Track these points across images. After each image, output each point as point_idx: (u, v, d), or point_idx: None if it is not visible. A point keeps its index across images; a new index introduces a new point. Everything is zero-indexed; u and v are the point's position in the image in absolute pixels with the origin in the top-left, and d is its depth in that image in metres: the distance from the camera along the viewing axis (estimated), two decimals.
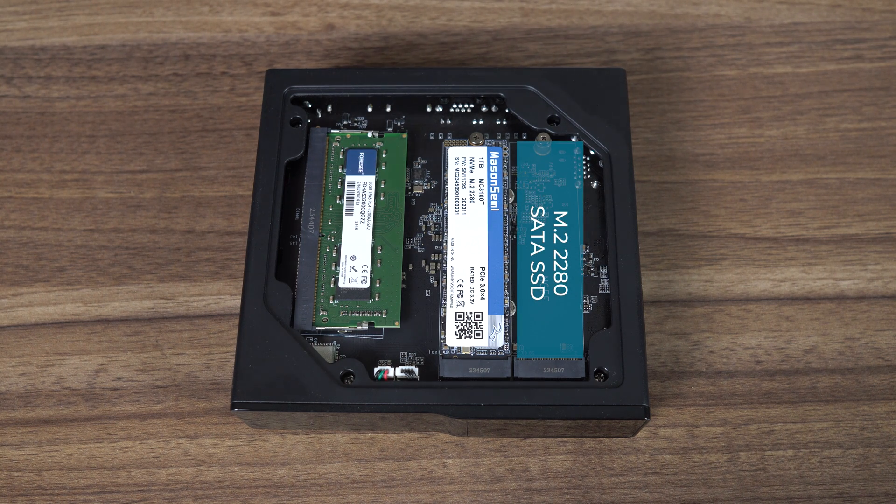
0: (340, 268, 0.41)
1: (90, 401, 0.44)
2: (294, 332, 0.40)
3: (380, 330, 0.41)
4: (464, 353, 0.40)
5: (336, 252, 0.42)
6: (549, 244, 0.42)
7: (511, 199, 0.43)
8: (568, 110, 0.43)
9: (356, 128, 0.45)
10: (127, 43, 0.51)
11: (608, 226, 0.41)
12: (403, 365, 0.40)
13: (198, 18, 0.52)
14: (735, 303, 0.45)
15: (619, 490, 0.42)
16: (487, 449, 0.43)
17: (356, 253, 0.41)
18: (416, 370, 0.40)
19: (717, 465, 0.42)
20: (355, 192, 0.43)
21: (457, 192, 0.42)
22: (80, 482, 0.43)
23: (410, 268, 0.42)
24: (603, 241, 0.42)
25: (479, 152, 0.43)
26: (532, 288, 0.41)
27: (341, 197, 0.43)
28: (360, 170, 0.43)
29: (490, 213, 0.42)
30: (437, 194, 0.43)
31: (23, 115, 0.50)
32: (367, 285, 0.41)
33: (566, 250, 0.41)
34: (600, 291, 0.41)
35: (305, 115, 0.44)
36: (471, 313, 0.40)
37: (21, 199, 0.48)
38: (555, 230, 0.42)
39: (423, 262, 0.42)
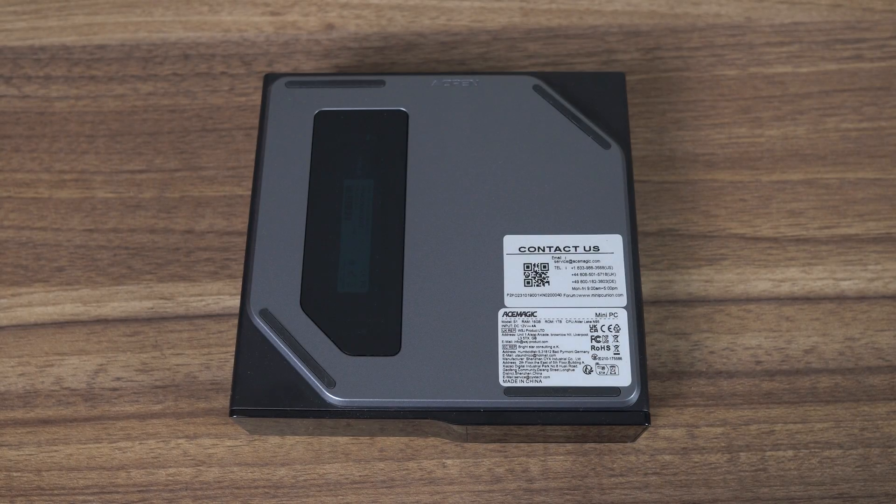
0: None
1: (89, 401, 0.44)
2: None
3: None
4: None
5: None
6: None
7: None
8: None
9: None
10: (126, 43, 0.51)
11: None
12: None
13: (197, 18, 0.52)
14: (735, 303, 0.45)
15: (619, 490, 0.42)
16: (487, 449, 0.43)
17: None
18: None
19: (718, 466, 0.42)
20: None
21: None
22: (79, 482, 0.43)
23: None
24: None
25: None
26: None
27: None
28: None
29: None
30: None
31: (22, 114, 0.50)
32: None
33: None
34: None
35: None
36: None
37: (20, 199, 0.48)
38: None
39: None
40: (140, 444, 0.43)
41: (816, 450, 0.42)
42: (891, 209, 0.47)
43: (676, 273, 0.45)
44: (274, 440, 0.43)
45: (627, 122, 0.44)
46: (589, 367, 0.39)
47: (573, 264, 0.41)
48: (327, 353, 0.40)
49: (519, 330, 0.40)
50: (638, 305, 0.40)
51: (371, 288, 0.41)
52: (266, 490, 0.42)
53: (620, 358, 0.39)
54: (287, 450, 0.43)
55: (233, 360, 0.41)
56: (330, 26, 0.51)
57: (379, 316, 0.40)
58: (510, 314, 0.40)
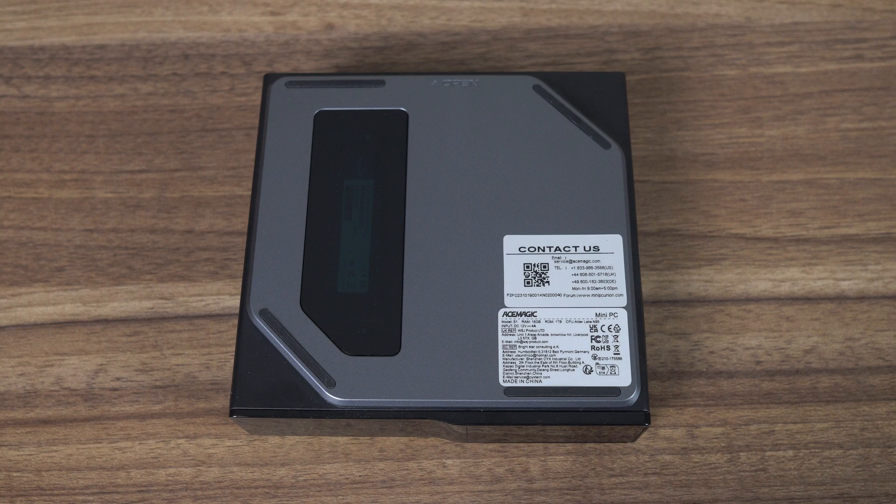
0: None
1: (89, 401, 0.44)
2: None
3: None
4: None
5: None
6: None
7: None
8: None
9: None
10: (126, 43, 0.51)
11: None
12: None
13: (197, 18, 0.52)
14: (735, 303, 0.45)
15: (619, 490, 0.42)
16: (487, 449, 0.43)
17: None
18: None
19: (718, 466, 0.42)
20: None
21: None
22: (79, 482, 0.43)
23: None
24: None
25: None
26: None
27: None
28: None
29: None
30: None
31: (22, 114, 0.50)
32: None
33: None
34: None
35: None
36: None
37: (20, 199, 0.48)
38: None
39: None
40: (140, 444, 0.43)
41: (816, 450, 0.42)
42: (891, 209, 0.47)
43: (676, 273, 0.45)
44: (274, 440, 0.43)
45: (627, 122, 0.44)
46: (589, 367, 0.39)
47: (573, 264, 0.41)
48: (327, 353, 0.40)
49: (519, 330, 0.40)
50: (638, 305, 0.40)
51: (371, 288, 0.41)
52: (266, 490, 0.42)
53: (620, 358, 0.39)
54: (287, 450, 0.43)
55: (233, 360, 0.41)
56: (330, 26, 0.51)
57: (379, 316, 0.40)
58: (510, 314, 0.40)
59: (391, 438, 0.43)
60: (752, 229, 0.46)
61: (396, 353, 0.40)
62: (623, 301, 0.40)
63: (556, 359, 0.39)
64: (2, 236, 0.47)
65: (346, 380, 0.39)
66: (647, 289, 0.45)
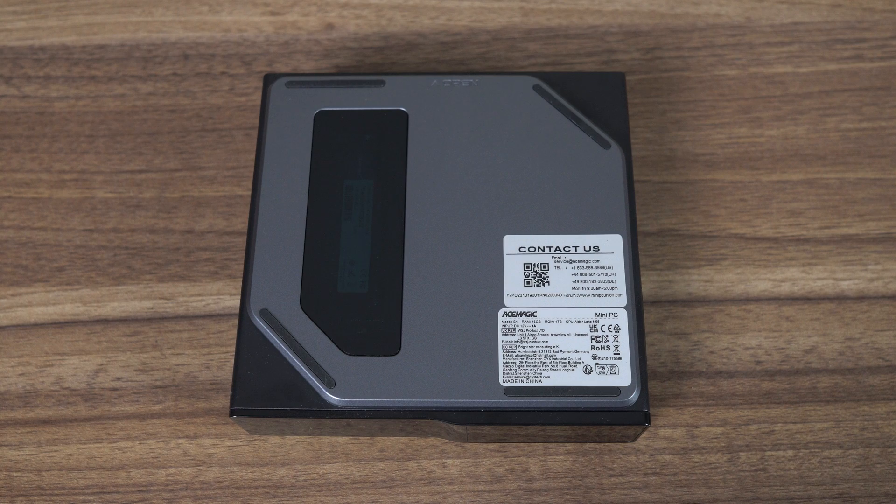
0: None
1: (89, 401, 0.44)
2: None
3: None
4: None
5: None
6: None
7: None
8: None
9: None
10: (126, 43, 0.51)
11: None
12: None
13: (197, 18, 0.52)
14: (735, 303, 0.45)
15: (619, 490, 0.42)
16: (487, 449, 0.43)
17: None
18: None
19: (717, 466, 0.42)
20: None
21: None
22: (79, 482, 0.43)
23: None
24: None
25: None
26: None
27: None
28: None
29: None
30: None
31: (22, 114, 0.50)
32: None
33: None
34: None
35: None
36: None
37: (20, 199, 0.48)
38: None
39: None
40: (140, 444, 0.43)
41: (816, 450, 0.42)
42: (891, 209, 0.47)
43: (676, 273, 0.46)
44: (274, 440, 0.43)
45: (627, 122, 0.44)
46: (589, 367, 0.39)
47: (573, 264, 0.41)
48: (327, 353, 0.40)
49: (519, 330, 0.40)
50: (638, 305, 0.40)
51: (371, 288, 0.41)
52: (266, 490, 0.42)
53: (620, 358, 0.39)
54: (287, 450, 0.43)
55: (233, 360, 0.41)
56: (330, 26, 0.51)
57: (379, 316, 0.40)
58: (510, 314, 0.40)
59: (391, 438, 0.43)
60: (752, 229, 0.46)
61: (396, 353, 0.40)
62: (623, 301, 0.40)
63: (556, 359, 0.39)
64: (2, 236, 0.47)
65: (346, 380, 0.39)
66: (647, 289, 0.45)
